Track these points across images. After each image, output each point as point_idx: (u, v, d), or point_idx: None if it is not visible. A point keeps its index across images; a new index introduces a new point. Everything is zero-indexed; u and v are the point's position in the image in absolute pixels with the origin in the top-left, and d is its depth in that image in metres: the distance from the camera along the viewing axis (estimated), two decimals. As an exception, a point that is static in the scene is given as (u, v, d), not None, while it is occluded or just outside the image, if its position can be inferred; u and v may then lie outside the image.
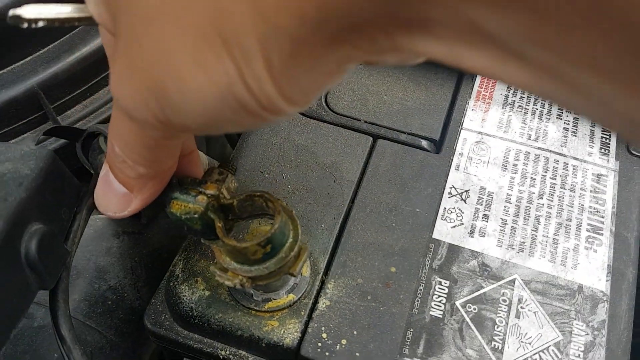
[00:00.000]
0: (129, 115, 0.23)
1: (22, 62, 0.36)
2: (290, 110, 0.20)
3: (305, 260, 0.32)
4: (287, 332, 0.34)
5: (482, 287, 0.35)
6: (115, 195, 0.27)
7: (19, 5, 0.24)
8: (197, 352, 0.35)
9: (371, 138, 0.41)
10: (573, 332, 0.34)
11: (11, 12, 0.24)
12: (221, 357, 0.35)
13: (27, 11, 0.24)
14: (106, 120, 0.40)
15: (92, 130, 0.33)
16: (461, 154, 0.41)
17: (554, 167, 0.40)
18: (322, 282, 0.35)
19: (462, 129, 0.42)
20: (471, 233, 0.37)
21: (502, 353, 0.33)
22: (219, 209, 0.30)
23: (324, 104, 0.44)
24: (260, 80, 0.18)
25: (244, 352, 0.35)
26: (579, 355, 0.33)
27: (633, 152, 0.41)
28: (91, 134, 0.34)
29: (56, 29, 0.37)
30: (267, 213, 0.30)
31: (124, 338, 0.43)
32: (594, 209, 0.38)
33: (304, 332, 0.34)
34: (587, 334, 0.34)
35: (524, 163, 0.40)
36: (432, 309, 0.34)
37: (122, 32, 0.21)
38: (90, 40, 0.37)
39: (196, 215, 0.29)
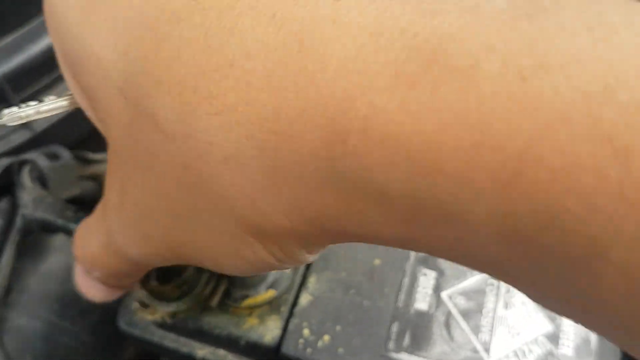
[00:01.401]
0: (125, 257, 0.22)
1: (-17, 51, 0.34)
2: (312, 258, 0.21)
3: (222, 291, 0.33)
4: (267, 330, 0.32)
5: (469, 278, 0.34)
6: (98, 288, 0.27)
7: None
8: (174, 353, 0.34)
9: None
10: (563, 322, 0.33)
11: None
12: (199, 357, 0.34)
13: (10, 120, 0.23)
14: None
15: (15, 162, 0.33)
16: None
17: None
18: (304, 277, 0.34)
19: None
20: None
21: (491, 345, 0.32)
22: None
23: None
24: (293, 257, 0.20)
25: (222, 351, 0.34)
26: (570, 345, 0.32)
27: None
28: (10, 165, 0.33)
29: (21, 15, 0.35)
30: None
31: (98, 338, 0.41)
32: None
33: (284, 329, 0.32)
34: (578, 325, 0.33)
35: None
36: (417, 302, 0.33)
37: (125, 173, 0.20)
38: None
39: None
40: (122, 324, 0.34)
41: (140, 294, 0.32)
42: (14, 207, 0.34)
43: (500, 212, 0.13)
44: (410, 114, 0.14)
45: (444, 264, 0.34)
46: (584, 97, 0.12)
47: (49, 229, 0.32)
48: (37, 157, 0.34)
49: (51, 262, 0.42)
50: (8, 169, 0.33)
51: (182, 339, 0.34)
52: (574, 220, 0.12)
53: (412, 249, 0.18)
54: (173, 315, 0.32)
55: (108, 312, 0.43)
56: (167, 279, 0.31)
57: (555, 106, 0.12)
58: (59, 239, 0.42)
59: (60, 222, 0.32)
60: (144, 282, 0.31)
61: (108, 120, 0.20)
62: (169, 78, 0.17)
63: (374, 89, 0.14)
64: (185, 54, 0.17)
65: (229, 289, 0.33)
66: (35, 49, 0.35)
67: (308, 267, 0.34)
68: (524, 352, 0.32)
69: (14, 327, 0.40)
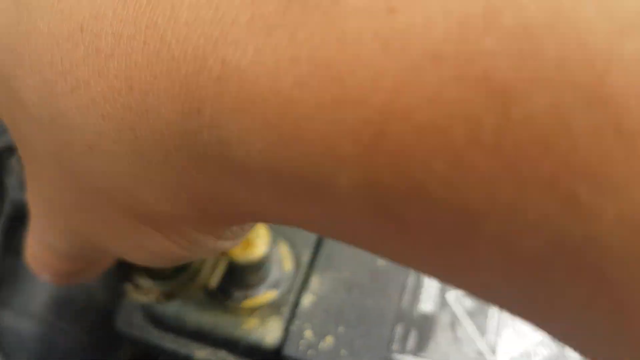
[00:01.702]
0: (62, 255, 0.21)
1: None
2: (226, 244, 0.20)
3: (224, 271, 0.32)
4: (268, 331, 0.31)
5: (474, 278, 0.33)
6: (50, 270, 0.25)
7: None
8: (172, 354, 0.33)
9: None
10: (570, 323, 0.32)
11: None
12: (198, 358, 0.33)
13: None
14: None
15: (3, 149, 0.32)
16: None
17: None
18: (306, 277, 0.33)
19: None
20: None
21: (497, 346, 0.31)
22: None
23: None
24: (199, 243, 0.18)
25: (222, 353, 0.33)
26: (577, 347, 0.31)
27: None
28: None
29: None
30: None
31: (95, 339, 0.40)
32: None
33: (286, 330, 0.31)
34: (585, 325, 0.32)
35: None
36: (422, 302, 0.32)
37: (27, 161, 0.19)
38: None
39: None
40: (120, 325, 0.34)
41: (133, 274, 0.30)
42: (2, 196, 0.33)
43: (364, 183, 0.11)
44: (265, 68, 0.11)
45: (448, 263, 0.34)
46: (459, 25, 0.10)
47: None
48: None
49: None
50: None
51: (181, 340, 0.33)
52: (442, 187, 0.10)
53: (301, 228, 0.16)
54: (169, 295, 0.31)
55: (105, 313, 0.42)
56: None
57: (426, 42, 0.10)
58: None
59: None
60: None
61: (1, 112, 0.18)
62: (30, 52, 0.15)
63: (227, 41, 0.12)
64: (41, 21, 0.14)
65: (229, 288, 0.32)
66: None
67: (310, 266, 0.33)
68: (530, 354, 0.31)
69: (9, 327, 0.39)
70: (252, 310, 0.32)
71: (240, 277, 0.31)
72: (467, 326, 0.32)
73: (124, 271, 0.31)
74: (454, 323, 0.32)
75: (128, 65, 0.13)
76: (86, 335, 0.40)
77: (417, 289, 0.33)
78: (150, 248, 0.18)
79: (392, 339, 0.31)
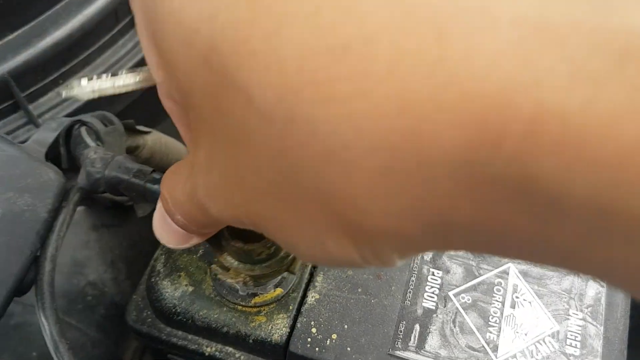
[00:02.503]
0: (206, 211, 0.21)
1: (-12, 47, 0.33)
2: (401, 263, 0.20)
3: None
4: (275, 328, 0.32)
5: (476, 277, 0.34)
6: (174, 232, 0.26)
7: None
8: (181, 349, 0.34)
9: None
10: (570, 322, 0.33)
11: (64, 94, 0.22)
12: (206, 354, 0.34)
13: (83, 92, 0.22)
14: (79, 109, 0.38)
15: (73, 121, 0.32)
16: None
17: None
18: (311, 275, 0.34)
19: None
20: (464, 221, 0.36)
21: (498, 344, 0.32)
22: None
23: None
24: (383, 259, 0.19)
25: (230, 349, 0.34)
26: (576, 345, 0.32)
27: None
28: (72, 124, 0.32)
29: (27, 10, 0.35)
30: None
31: (105, 334, 0.41)
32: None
33: (292, 327, 0.32)
34: (584, 323, 0.33)
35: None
36: (424, 300, 0.33)
37: (212, 142, 0.19)
38: (62, 24, 0.35)
39: None
40: (130, 321, 0.34)
41: (222, 257, 0.30)
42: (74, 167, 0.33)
43: None
44: (600, 116, 0.12)
45: (450, 263, 0.34)
46: None
47: (116, 188, 0.31)
48: (92, 119, 0.34)
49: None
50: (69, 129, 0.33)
51: (190, 336, 0.34)
52: None
53: (537, 260, 0.16)
54: (255, 278, 0.31)
55: (115, 308, 0.43)
56: (246, 237, 0.29)
57: None
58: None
59: (137, 182, 0.31)
60: (226, 243, 0.29)
61: (190, 90, 0.18)
62: (267, 52, 0.15)
63: (545, 87, 0.13)
64: (289, 29, 0.15)
65: (237, 288, 0.33)
66: (41, 45, 0.34)
67: (315, 266, 0.34)
68: (531, 352, 0.32)
69: (21, 322, 0.40)
70: (260, 308, 0.33)
71: (248, 257, 0.31)
72: (469, 324, 0.32)
73: (212, 252, 0.31)
74: (455, 321, 0.33)
75: (403, 92, 0.14)
76: (96, 331, 0.41)
77: (420, 287, 0.33)
78: (332, 253, 0.18)
79: (395, 336, 0.32)
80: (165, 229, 0.25)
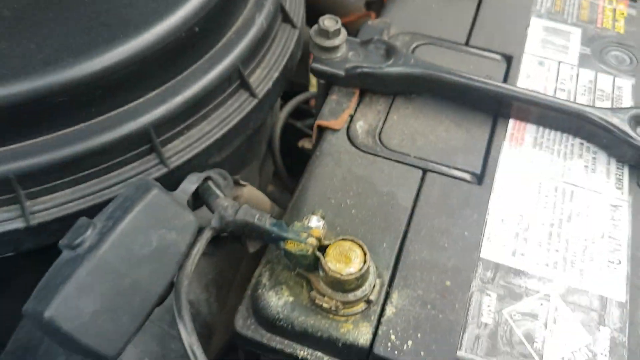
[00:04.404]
0: None
1: (135, 102, 0.42)
2: None
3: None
4: (361, 334, 0.39)
5: (524, 299, 0.41)
6: None
7: None
8: (279, 353, 0.41)
9: (421, 171, 0.48)
10: (600, 336, 0.40)
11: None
12: (300, 357, 0.41)
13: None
14: (198, 154, 0.46)
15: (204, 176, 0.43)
16: (499, 186, 0.47)
17: (577, 197, 0.47)
18: (387, 293, 0.41)
19: (498, 164, 0.49)
20: (513, 253, 0.43)
21: (543, 354, 0.39)
22: (319, 248, 0.39)
23: (378, 141, 0.50)
24: None
25: (319, 353, 0.41)
26: (606, 354, 0.39)
27: (644, 187, 0.48)
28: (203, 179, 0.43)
29: (164, 75, 0.44)
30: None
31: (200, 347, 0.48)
32: (613, 232, 0.45)
33: (374, 334, 0.39)
34: (612, 337, 0.40)
35: (553, 194, 0.47)
36: (483, 317, 0.40)
37: None
38: (190, 86, 0.44)
39: (308, 253, 0.39)
40: (237, 327, 0.42)
41: (318, 285, 0.39)
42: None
43: None
44: None
45: (503, 287, 0.42)
46: None
47: (244, 231, 0.41)
48: (215, 175, 0.44)
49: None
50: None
51: (287, 341, 0.41)
52: None
53: None
54: (346, 304, 0.39)
55: (206, 326, 0.50)
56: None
57: None
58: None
59: (260, 225, 0.40)
60: (324, 274, 0.38)
61: None
62: None
63: None
64: None
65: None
66: (176, 101, 0.43)
67: (390, 284, 0.42)
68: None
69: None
70: (347, 317, 0.40)
71: (341, 287, 0.39)
72: (519, 336, 0.40)
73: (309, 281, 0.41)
74: (509, 334, 0.40)
75: None
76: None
77: (479, 306, 0.41)
78: None
79: (460, 345, 0.39)
80: None
